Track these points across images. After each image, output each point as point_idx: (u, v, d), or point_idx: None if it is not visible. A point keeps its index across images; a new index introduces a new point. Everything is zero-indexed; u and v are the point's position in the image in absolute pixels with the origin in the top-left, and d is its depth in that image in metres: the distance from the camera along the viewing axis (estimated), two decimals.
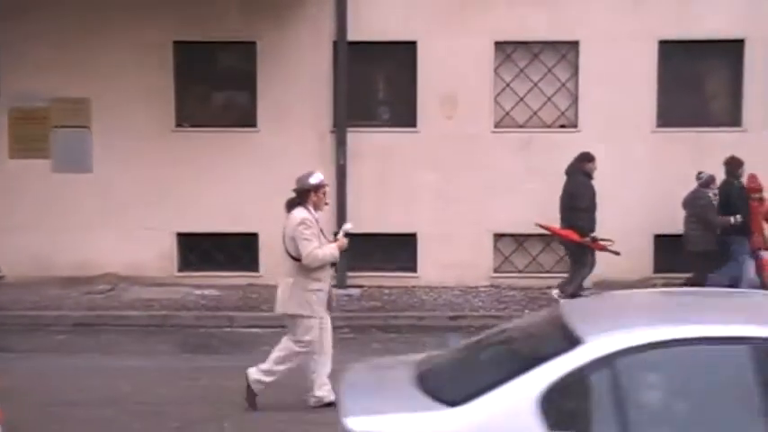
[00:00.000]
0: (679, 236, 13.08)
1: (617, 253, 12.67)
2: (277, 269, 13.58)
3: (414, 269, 13.97)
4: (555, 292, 12.77)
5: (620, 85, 13.61)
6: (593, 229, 12.60)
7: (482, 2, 13.60)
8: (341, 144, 13.67)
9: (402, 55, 13.81)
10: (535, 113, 13.85)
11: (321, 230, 8.68)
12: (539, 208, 13.64)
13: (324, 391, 8.68)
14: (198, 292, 13.53)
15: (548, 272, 13.90)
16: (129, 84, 13.72)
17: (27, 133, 13.84)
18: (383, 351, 11.08)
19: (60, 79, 13.73)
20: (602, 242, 12.72)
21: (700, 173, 12.94)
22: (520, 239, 13.98)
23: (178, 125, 13.92)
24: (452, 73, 13.68)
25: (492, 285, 13.84)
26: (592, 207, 12.63)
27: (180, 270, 14.09)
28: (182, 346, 11.53)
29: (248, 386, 8.75)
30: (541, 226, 12.98)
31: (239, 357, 10.89)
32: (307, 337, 8.63)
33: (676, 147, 13.61)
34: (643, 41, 13.58)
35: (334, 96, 13.70)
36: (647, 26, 13.55)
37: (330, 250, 8.57)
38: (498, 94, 13.82)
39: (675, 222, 13.16)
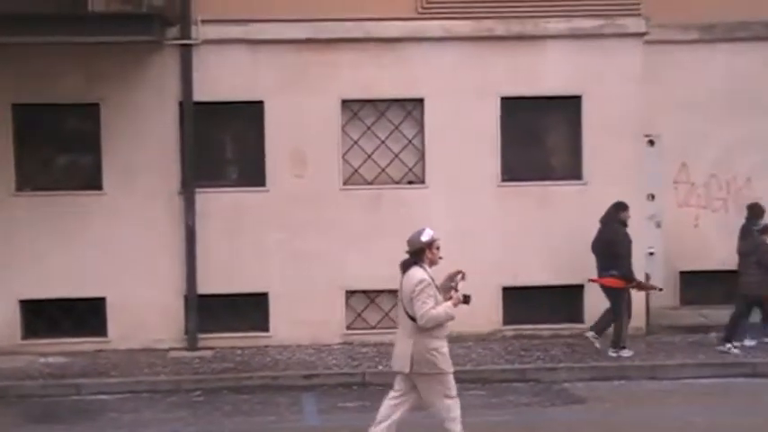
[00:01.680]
0: (525, 288, 13.36)
1: (660, 289, 13.97)
2: (126, 333, 13.55)
3: (266, 328, 13.88)
4: (590, 334, 13.28)
5: (464, 141, 13.90)
6: (633, 274, 13.15)
7: (328, 61, 13.75)
8: (189, 205, 13.55)
9: (249, 114, 13.82)
10: (383, 170, 14.02)
11: (436, 286, 8.59)
12: (389, 263, 13.66)
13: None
14: (43, 360, 13.14)
15: None
16: None
17: None
18: (235, 413, 10.98)
19: None
20: (644, 283, 13.57)
21: (754, 216, 13.77)
22: (372, 295, 14.06)
23: (19, 189, 13.57)
24: (300, 132, 13.77)
25: (345, 342, 13.85)
26: (629, 253, 13.08)
27: (24, 338, 13.67)
28: (25, 417, 11.12)
29: None
30: (593, 281, 13.38)
31: (85, 426, 10.64)
32: (454, 392, 8.65)
33: (521, 200, 13.94)
34: (485, 98, 13.93)
35: (181, 157, 13.60)
36: (490, 83, 13.91)
37: (445, 309, 8.51)
38: (346, 152, 13.94)
39: (522, 275, 13.48)
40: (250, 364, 12.82)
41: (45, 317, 13.77)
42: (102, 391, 11.89)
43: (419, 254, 8.66)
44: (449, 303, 8.58)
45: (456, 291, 8.72)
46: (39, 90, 13.43)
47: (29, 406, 11.53)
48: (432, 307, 8.46)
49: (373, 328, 14.05)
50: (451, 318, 8.59)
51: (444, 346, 8.65)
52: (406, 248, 8.72)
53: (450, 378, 8.67)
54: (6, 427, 10.60)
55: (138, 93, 13.60)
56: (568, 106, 14.14)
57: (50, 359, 13.14)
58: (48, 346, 13.52)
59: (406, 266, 8.69)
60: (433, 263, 8.70)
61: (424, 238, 8.69)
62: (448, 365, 8.65)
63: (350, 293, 14.04)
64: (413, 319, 8.53)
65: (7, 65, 13.30)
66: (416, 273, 8.57)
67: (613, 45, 14.06)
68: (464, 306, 8.63)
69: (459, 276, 8.81)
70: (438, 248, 8.71)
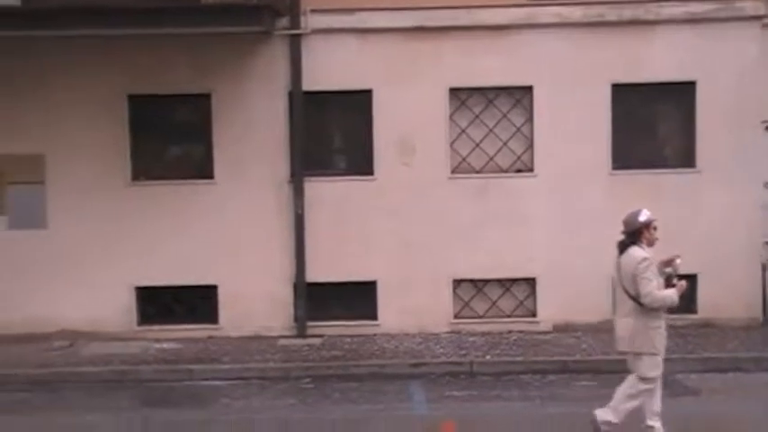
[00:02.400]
0: None
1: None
2: (236, 321, 13.76)
3: (374, 317, 13.93)
4: None
5: (574, 129, 13.72)
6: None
7: (436, 49, 13.70)
8: (298, 193, 13.67)
9: (357, 103, 13.86)
10: (491, 159, 13.93)
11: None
12: (497, 253, 13.74)
13: (655, 422, 8.76)
14: (157, 345, 13.43)
15: (508, 316, 13.93)
16: (85, 138, 13.69)
17: None
18: (343, 400, 11.05)
19: (12, 135, 13.66)
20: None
21: None
22: (479, 284, 13.99)
23: (134, 178, 13.87)
24: (408, 120, 13.75)
25: (452, 331, 13.82)
26: None
27: (139, 324, 13.99)
28: (142, 401, 11.41)
29: (597, 429, 8.77)
30: None
31: (198, 410, 10.84)
32: (652, 374, 8.72)
33: (633, 188, 13.70)
34: (596, 85, 13.72)
35: (290, 146, 13.72)
36: (600, 70, 13.69)
37: (671, 295, 8.60)
38: (454, 141, 13.89)
39: None
40: (358, 353, 12.88)
41: (159, 304, 14.05)
42: (214, 376, 12.09)
43: (636, 234, 8.69)
44: (674, 291, 8.61)
45: (679, 278, 8.70)
46: (152, 81, 13.70)
47: (144, 390, 11.81)
48: (655, 287, 8.51)
49: (481, 317, 13.99)
50: (674, 304, 8.62)
51: (663, 327, 8.72)
52: (623, 229, 8.73)
53: (659, 360, 8.72)
54: (123, 410, 10.87)
55: (248, 83, 13.76)
56: (682, 92, 13.83)
57: (164, 345, 13.43)
58: (161, 332, 13.82)
59: (623, 247, 8.73)
60: (650, 243, 8.71)
61: (642, 218, 8.69)
62: (661, 346, 8.71)
63: (457, 282, 13.99)
64: (633, 298, 8.58)
65: (123, 57, 13.60)
66: (638, 252, 8.61)
67: (730, 29, 13.70)
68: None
69: (678, 261, 8.76)
70: (655, 229, 8.72)
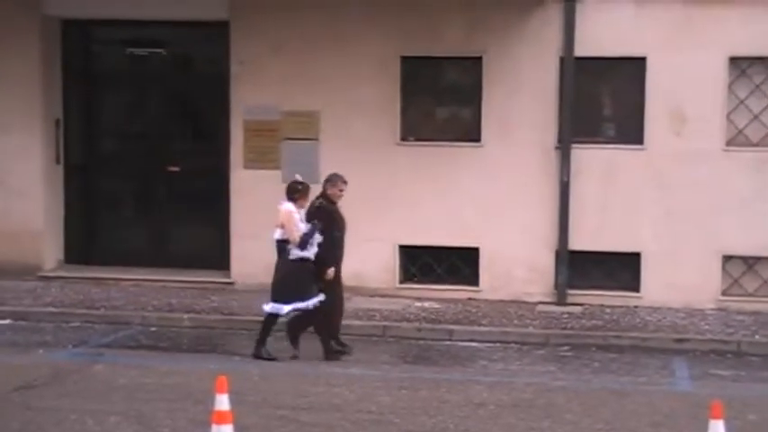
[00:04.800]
0: None
1: None
2: (496, 284, 13.81)
3: (636, 289, 13.64)
4: None
5: None
6: None
7: (714, 16, 13.18)
8: (565, 160, 13.52)
9: (630, 70, 13.54)
10: None
11: None
12: None
13: None
14: (418, 304, 13.66)
15: None
16: (357, 97, 14.03)
17: (259, 145, 14.35)
18: (603, 370, 10.91)
19: (292, 93, 14.17)
20: None
21: None
22: (750, 262, 13.44)
23: (403, 138, 14.11)
24: (683, 89, 13.32)
25: (719, 309, 13.35)
26: None
27: (401, 282, 14.26)
28: (402, 357, 11.65)
29: None
30: None
31: (457, 371, 10.96)
32: None
33: None
34: None
35: (559, 112, 13.58)
36: None
37: None
38: (731, 112, 13.33)
39: None
40: (619, 324, 12.67)
41: (421, 263, 14.29)
42: (473, 338, 12.19)
43: None
44: None
45: None
46: (424, 43, 13.86)
47: (404, 347, 12.05)
48: None
49: (751, 295, 13.45)
50: None
51: None
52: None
53: None
54: (382, 364, 11.11)
55: (520, 47, 13.69)
56: None
57: (425, 304, 13.63)
58: (423, 291, 14.04)
59: None
60: None
61: None
62: None
63: (726, 258, 13.49)
64: None
65: (398, 19, 13.83)
66: None
67: None
68: None
69: None
70: None
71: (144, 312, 12.97)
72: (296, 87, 14.15)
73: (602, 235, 13.62)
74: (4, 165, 14.63)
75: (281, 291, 10.79)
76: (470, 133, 13.99)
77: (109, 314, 12.90)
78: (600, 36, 13.41)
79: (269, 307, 10.85)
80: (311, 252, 10.77)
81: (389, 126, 14.05)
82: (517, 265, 13.85)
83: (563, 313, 13.15)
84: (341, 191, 11.18)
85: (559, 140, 13.60)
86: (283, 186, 14.06)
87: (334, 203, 11.17)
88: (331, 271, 10.94)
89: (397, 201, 14.07)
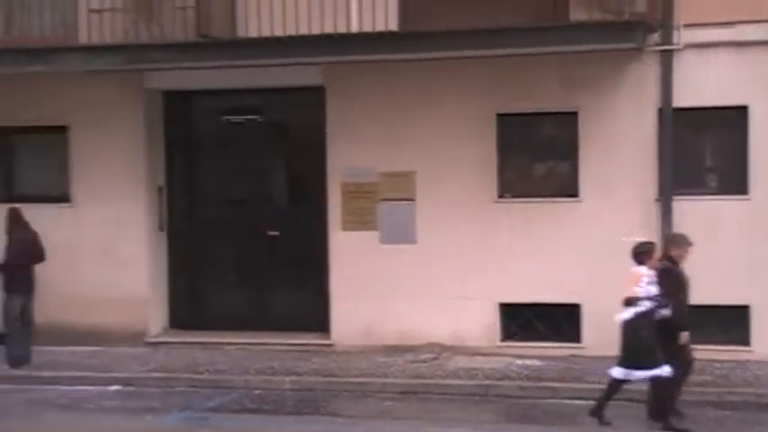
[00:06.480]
0: None
1: None
2: (599, 340, 13.53)
3: (746, 342, 13.27)
4: None
5: None
6: None
7: None
8: (666, 213, 13.29)
9: (731, 119, 13.31)
10: None
11: None
12: None
13: None
14: (519, 362, 13.48)
15: None
16: (453, 156, 14.04)
17: (357, 206, 14.43)
18: (720, 428, 10.58)
19: (387, 154, 14.27)
20: None
21: None
22: None
23: (500, 196, 14.05)
24: None
25: None
26: None
27: (502, 340, 14.12)
28: (504, 416, 11.52)
29: None
30: None
31: (563, 429, 10.76)
32: None
33: None
34: None
35: (658, 164, 13.39)
36: None
37: None
38: None
39: None
40: (730, 379, 12.32)
41: (521, 320, 14.13)
42: (577, 396, 11.93)
43: None
44: None
45: None
46: (520, 99, 13.84)
47: (507, 406, 11.91)
48: None
49: None
50: None
51: None
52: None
53: None
54: (486, 423, 11.02)
55: (616, 100, 13.58)
56: None
57: (527, 361, 13.46)
58: (524, 348, 13.87)
59: None
60: None
61: None
62: None
63: None
64: None
65: (491, 77, 13.85)
66: None
67: None
68: None
69: None
70: None
71: (247, 376, 13.07)
72: (391, 148, 14.25)
73: (708, 288, 13.19)
74: (112, 233, 14.97)
75: (635, 356, 10.42)
76: (568, 189, 13.87)
77: (213, 378, 13.04)
78: (698, 86, 13.23)
79: (619, 372, 10.53)
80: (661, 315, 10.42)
81: (486, 184, 14.02)
82: None
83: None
84: (686, 252, 10.78)
85: (660, 193, 13.39)
86: (381, 247, 14.32)
87: (677, 264, 10.83)
88: (686, 335, 10.60)
89: (496, 258, 13.98)
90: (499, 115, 13.96)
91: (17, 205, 14.21)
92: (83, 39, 14.42)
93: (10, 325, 13.70)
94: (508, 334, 14.17)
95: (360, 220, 14.45)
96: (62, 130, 15.19)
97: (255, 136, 15.53)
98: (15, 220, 13.83)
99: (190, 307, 15.64)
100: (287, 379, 12.89)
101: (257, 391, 12.60)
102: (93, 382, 13.06)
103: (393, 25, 13.52)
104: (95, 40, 14.10)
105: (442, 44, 13.07)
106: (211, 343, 14.73)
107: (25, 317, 13.72)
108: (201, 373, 13.21)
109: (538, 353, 13.76)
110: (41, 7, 14.59)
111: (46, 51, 14.16)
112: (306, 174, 15.38)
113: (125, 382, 13.07)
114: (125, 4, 14.25)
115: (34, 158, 15.60)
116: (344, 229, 14.47)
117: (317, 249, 14.70)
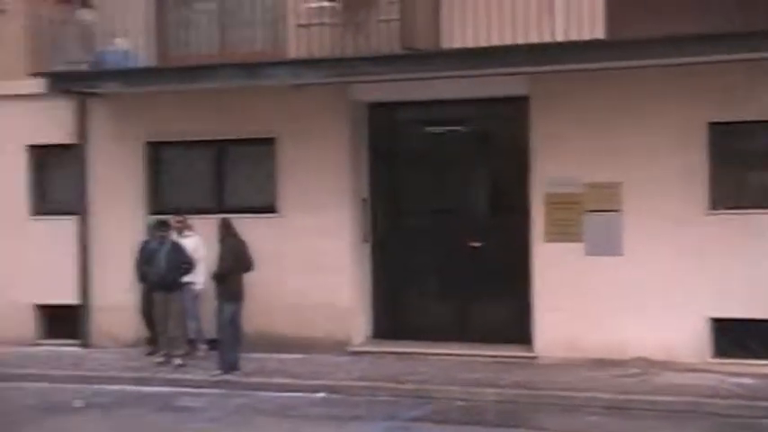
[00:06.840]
0: None
1: None
2: None
3: None
4: None
5: None
6: None
7: None
8: None
9: None
10: None
11: None
12: None
13: None
14: (732, 379, 12.98)
15: None
16: (660, 167, 13.68)
17: (561, 217, 14.24)
18: None
19: (593, 164, 14.02)
20: None
21: None
22: None
23: (712, 207, 13.59)
24: None
25: None
26: None
27: (713, 356, 13.64)
28: None
29: None
30: None
31: None
32: None
33: None
34: None
35: None
36: None
37: None
38: None
39: None
40: None
41: (734, 336, 13.61)
42: None
43: None
44: None
45: None
46: (733, 108, 13.34)
47: (716, 424, 11.51)
48: None
49: None
50: None
51: None
52: None
53: None
54: None
55: None
56: None
57: (740, 379, 12.94)
58: (736, 366, 13.35)
59: None
60: None
61: None
62: None
63: None
64: None
65: (703, 86, 13.39)
66: None
67: None
68: None
69: None
70: None
71: (449, 386, 13.06)
72: (597, 159, 14.00)
73: None
74: (317, 244, 15.26)
75: None
76: None
77: (416, 388, 13.08)
78: None
79: None
80: None
81: (696, 195, 13.58)
82: None
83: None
84: None
85: None
86: (586, 259, 14.07)
87: None
88: None
89: (707, 272, 13.53)
90: (711, 124, 13.52)
91: (228, 215, 14.69)
92: (291, 53, 14.82)
93: (222, 332, 14.15)
94: (720, 350, 13.67)
95: (563, 231, 14.23)
96: (269, 142, 15.62)
97: (458, 147, 15.56)
98: (226, 230, 14.29)
99: (392, 317, 15.79)
100: (490, 391, 12.81)
101: (459, 403, 12.57)
102: (301, 388, 13.35)
103: (599, 33, 13.30)
104: (303, 54, 14.45)
105: (649, 52, 12.78)
106: (413, 353, 14.81)
107: (235, 324, 14.15)
108: (404, 383, 13.28)
109: (751, 370, 13.22)
110: (253, 24, 15.07)
111: (256, 66, 14.61)
112: (508, 184, 15.29)
113: (331, 389, 13.27)
114: (332, 19, 14.55)
115: (243, 170, 16.08)
116: (547, 240, 14.29)
117: (520, 260, 14.56)
